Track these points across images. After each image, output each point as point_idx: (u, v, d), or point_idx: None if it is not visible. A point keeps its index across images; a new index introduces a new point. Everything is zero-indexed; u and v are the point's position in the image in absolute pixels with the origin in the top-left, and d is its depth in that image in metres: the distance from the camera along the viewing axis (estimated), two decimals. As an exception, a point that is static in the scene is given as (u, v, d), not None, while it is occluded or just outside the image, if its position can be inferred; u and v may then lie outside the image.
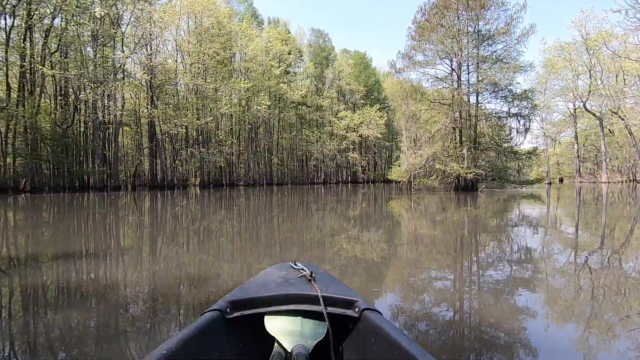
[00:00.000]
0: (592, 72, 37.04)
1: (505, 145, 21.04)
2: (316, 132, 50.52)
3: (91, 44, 28.92)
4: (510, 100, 20.62)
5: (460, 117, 21.38)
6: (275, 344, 1.22)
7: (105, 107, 27.94)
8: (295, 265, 1.59)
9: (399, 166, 24.07)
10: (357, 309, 1.25)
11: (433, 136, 21.33)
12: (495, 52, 20.95)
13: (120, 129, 38.00)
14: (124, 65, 28.43)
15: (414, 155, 21.29)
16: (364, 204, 13.19)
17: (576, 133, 42.51)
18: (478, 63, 21.88)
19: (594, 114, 38.42)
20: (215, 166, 39.11)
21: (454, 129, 23.18)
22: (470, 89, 21.06)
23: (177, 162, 37.42)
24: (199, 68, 35.13)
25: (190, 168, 37.47)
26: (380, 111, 51.69)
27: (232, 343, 1.21)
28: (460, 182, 21.00)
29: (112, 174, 34.27)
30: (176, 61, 34.63)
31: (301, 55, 49.09)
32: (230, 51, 38.37)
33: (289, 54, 44.26)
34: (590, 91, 37.19)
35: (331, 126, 50.93)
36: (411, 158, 21.21)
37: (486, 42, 20.90)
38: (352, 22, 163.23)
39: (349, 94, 54.37)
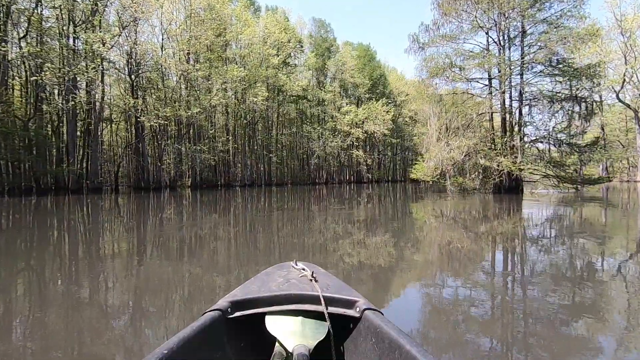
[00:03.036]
0: (627, 58, 32.21)
1: (562, 135, 16.17)
2: (318, 128, 45.52)
3: (61, 25, 24.02)
4: (569, 77, 15.73)
5: (503, 101, 16.54)
6: (276, 344, 1.18)
7: (78, 97, 22.94)
8: (296, 265, 1.54)
9: (423, 162, 19.12)
10: (358, 309, 1.20)
11: (471, 123, 16.47)
12: (548, 17, 16.06)
13: (102, 124, 33.35)
14: (102, 46, 23.35)
15: (447, 147, 16.36)
16: (394, 221, 8.38)
17: (603, 127, 37.67)
18: (523, 32, 17.04)
19: (628, 105, 33.61)
20: (209, 165, 34.17)
21: (490, 115, 18.34)
22: (515, 65, 16.16)
23: (164, 160, 32.51)
24: (187, 54, 30.23)
25: (180, 167, 32.59)
26: (387, 106, 46.79)
27: (233, 343, 1.17)
28: (504, 181, 16.16)
29: (90, 174, 29.41)
30: (162, 46, 29.69)
31: (301, 46, 44.11)
32: (223, 38, 33.46)
33: (289, 42, 39.37)
34: (624, 80, 32.35)
35: (334, 121, 45.92)
36: (445, 151, 16.27)
37: (537, 4, 16.00)
38: (354, 19, 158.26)
39: (352, 88, 49.38)
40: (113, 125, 36.10)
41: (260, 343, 1.24)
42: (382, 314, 1.16)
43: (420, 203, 12.71)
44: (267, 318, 1.22)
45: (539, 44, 16.65)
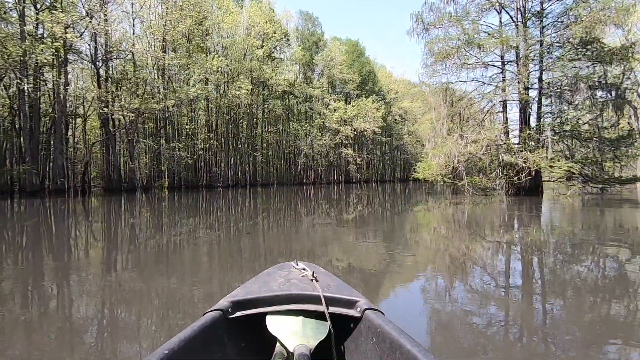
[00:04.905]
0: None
1: (588, 128, 13.83)
2: (305, 125, 42.61)
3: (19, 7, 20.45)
4: (601, 61, 13.41)
5: (523, 88, 14.06)
6: (277, 344, 1.16)
7: (24, 84, 19.42)
8: (297, 265, 1.49)
9: (428, 159, 16.44)
10: (359, 309, 1.18)
11: (488, 112, 13.89)
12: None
13: (68, 119, 29.87)
14: (57, 25, 19.81)
15: (461, 140, 13.69)
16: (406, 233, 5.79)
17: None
18: (542, 10, 14.69)
19: (629, 102, 31.87)
20: (187, 164, 30.90)
21: (504, 106, 15.85)
22: (545, 42, 13.72)
23: (140, 159, 29.15)
24: (162, 40, 26.91)
25: (155, 166, 29.27)
26: (377, 103, 44.25)
27: (233, 343, 1.15)
28: (524, 181, 13.65)
29: (53, 175, 25.91)
30: (133, 31, 26.29)
31: (287, 39, 41.09)
32: (203, 27, 30.20)
33: (274, 33, 36.39)
34: (623, 74, 30.55)
35: (322, 119, 43.06)
36: (460, 145, 13.59)
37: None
38: (343, 15, 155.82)
39: (341, 84, 46.63)
40: (88, 121, 32.38)
41: (261, 343, 1.20)
42: (383, 314, 1.13)
43: (432, 209, 10.04)
44: (268, 318, 1.18)
45: (560, 22, 14.34)
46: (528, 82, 13.51)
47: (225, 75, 32.53)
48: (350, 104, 44.81)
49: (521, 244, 4.83)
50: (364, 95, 45.31)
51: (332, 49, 44.85)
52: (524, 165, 12.62)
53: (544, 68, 14.78)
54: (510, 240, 5.12)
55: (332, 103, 44.04)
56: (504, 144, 13.46)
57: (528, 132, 13.54)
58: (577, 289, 2.81)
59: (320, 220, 7.53)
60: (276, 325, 1.15)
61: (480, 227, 6.39)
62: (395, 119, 53.69)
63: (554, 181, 15.53)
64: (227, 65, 30.75)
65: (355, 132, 43.99)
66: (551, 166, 12.24)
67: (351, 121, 43.33)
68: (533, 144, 13.19)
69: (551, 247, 4.51)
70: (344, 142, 44.44)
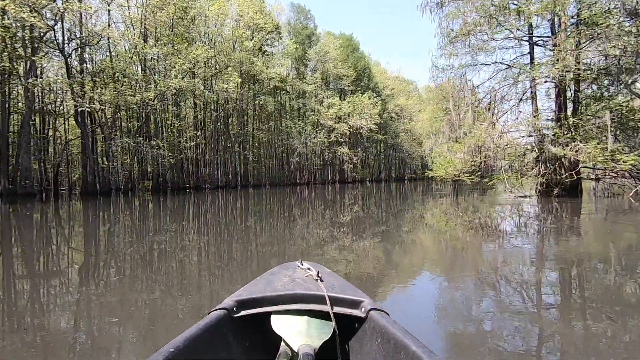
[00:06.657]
0: None
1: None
2: (299, 123, 39.82)
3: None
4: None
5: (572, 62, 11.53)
6: (282, 343, 1.13)
7: None
8: (302, 264, 1.45)
9: (445, 153, 13.82)
10: (363, 309, 1.15)
11: (523, 98, 11.32)
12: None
13: (48, 117, 26.93)
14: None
15: (495, 130, 11.04)
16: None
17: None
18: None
19: None
20: (172, 164, 27.90)
21: (533, 93, 13.33)
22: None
23: (114, 157, 26.07)
24: (142, 27, 23.93)
25: (135, 167, 26.29)
26: (373, 99, 41.67)
27: (238, 342, 1.13)
28: (566, 181, 11.12)
29: (20, 177, 22.76)
30: (109, 11, 23.17)
31: (279, 32, 38.25)
32: (187, 14, 27.24)
33: (265, 24, 33.54)
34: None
35: (317, 116, 40.29)
36: (495, 135, 10.91)
37: None
38: (337, 9, 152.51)
39: (335, 79, 43.92)
40: (69, 120, 29.08)
41: (265, 342, 1.18)
42: (388, 315, 1.10)
43: (462, 218, 7.45)
44: (273, 317, 1.16)
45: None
46: (574, 58, 10.94)
47: (213, 69, 29.65)
48: (345, 100, 42.16)
49: None
50: (359, 92, 42.70)
51: (326, 43, 42.16)
52: (577, 159, 10.08)
53: (582, 44, 12.30)
54: None
55: (327, 99, 41.35)
56: (552, 133, 10.90)
57: (574, 119, 11.00)
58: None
59: (321, 231, 4.88)
60: (281, 324, 1.13)
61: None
62: (391, 117, 51.27)
63: (592, 179, 13.08)
64: (215, 56, 27.86)
65: (350, 130, 41.35)
66: (613, 160, 9.69)
67: (346, 118, 40.69)
68: (582, 133, 10.67)
69: None
70: (339, 139, 41.77)
